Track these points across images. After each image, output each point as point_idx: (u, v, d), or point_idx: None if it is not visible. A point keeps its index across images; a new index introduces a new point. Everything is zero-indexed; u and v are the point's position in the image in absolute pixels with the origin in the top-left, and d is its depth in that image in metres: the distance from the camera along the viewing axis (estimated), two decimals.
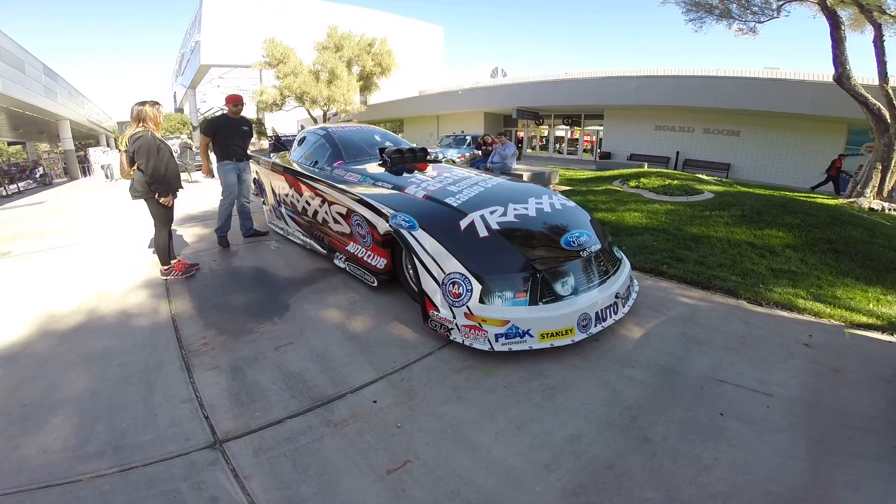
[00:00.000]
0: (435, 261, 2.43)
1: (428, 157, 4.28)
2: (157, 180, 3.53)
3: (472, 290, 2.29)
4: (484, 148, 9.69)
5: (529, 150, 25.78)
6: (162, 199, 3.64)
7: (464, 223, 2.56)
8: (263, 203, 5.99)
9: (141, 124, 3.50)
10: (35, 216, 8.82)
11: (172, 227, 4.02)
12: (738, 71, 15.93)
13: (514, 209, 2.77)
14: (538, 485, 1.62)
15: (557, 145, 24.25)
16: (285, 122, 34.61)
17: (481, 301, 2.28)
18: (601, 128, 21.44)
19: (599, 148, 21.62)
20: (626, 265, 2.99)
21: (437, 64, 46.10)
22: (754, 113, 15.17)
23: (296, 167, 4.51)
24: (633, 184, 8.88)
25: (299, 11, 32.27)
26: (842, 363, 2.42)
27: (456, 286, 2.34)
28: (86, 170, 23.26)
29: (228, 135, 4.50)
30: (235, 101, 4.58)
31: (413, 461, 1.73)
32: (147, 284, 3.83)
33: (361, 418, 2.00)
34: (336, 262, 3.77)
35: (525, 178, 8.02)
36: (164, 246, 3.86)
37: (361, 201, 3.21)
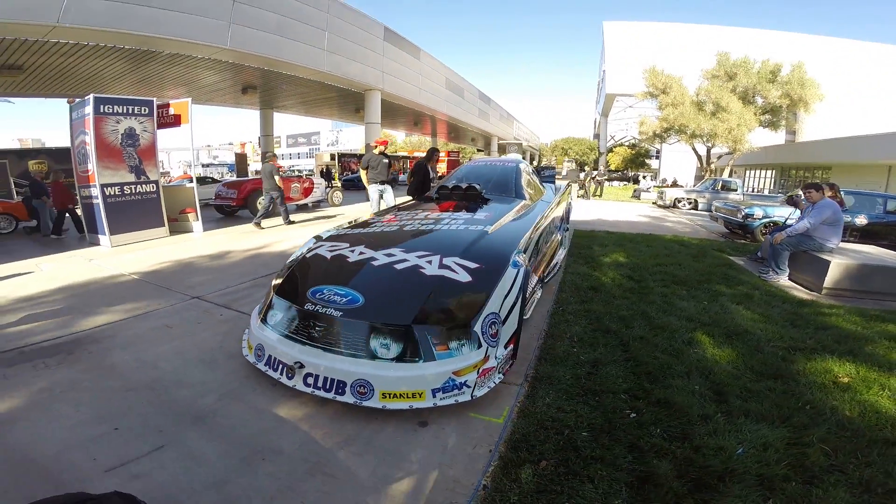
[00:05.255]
0: None
1: (479, 193, 3.88)
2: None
3: None
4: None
5: None
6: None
7: (311, 245, 2.92)
8: None
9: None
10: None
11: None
12: None
13: (365, 254, 2.56)
14: None
15: None
16: (675, 156, 32.39)
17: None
18: None
19: None
20: (385, 370, 2.00)
21: None
22: None
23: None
24: None
25: (700, 39, 28.74)
26: None
27: None
28: None
29: (373, 166, 6.33)
30: (379, 144, 6.45)
31: (78, 356, 2.58)
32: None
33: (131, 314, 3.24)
34: None
35: (836, 267, 4.14)
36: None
37: None
